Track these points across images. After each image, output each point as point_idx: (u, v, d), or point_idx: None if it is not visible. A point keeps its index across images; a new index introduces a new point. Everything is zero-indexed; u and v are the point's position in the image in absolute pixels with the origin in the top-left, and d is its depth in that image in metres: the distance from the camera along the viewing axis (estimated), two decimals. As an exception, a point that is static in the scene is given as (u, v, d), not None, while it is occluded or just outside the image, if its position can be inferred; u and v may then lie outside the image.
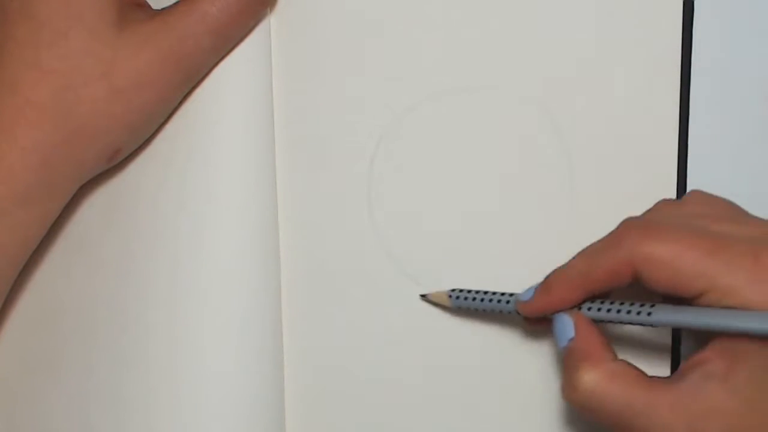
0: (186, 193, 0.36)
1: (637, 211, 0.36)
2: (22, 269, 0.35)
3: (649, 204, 0.35)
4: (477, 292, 0.36)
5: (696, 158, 0.37)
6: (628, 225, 0.32)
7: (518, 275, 0.37)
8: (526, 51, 0.37)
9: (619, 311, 0.33)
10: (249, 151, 0.36)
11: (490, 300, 0.36)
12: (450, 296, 0.37)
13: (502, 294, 0.36)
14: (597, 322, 0.33)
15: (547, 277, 0.34)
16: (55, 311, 0.38)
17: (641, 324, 0.32)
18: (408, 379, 0.38)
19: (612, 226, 0.37)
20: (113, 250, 0.37)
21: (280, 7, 0.38)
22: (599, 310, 0.33)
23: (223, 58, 0.36)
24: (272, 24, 0.37)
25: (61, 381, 0.37)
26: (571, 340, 0.33)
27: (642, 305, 0.32)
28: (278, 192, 0.38)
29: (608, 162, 0.37)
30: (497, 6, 0.37)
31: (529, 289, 0.34)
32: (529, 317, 0.35)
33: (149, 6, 0.36)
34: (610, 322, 0.33)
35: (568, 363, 0.33)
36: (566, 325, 0.33)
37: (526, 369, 0.38)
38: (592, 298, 0.33)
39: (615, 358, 0.32)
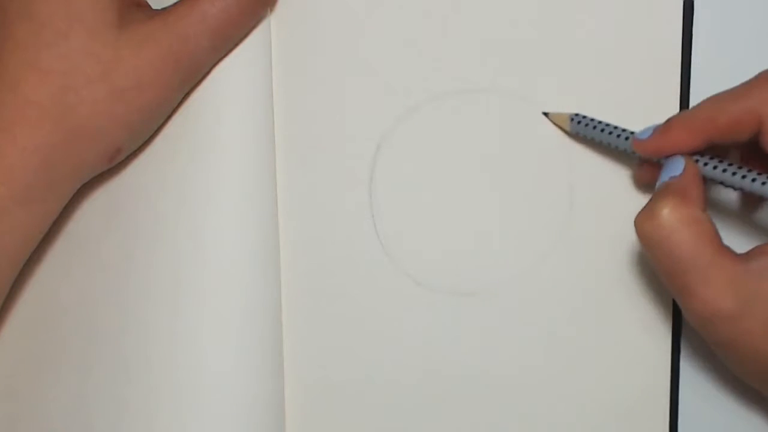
0: (186, 193, 0.36)
1: (635, 212, 0.36)
2: (22, 269, 0.35)
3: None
4: (600, 122, 0.36)
5: (696, 158, 0.37)
6: (764, 76, 0.32)
7: (519, 275, 0.38)
8: (526, 51, 0.37)
9: (734, 173, 0.32)
10: (249, 151, 0.36)
11: (610, 132, 0.35)
12: (572, 119, 0.36)
13: (623, 130, 0.35)
14: (708, 180, 0.33)
15: (670, 118, 0.33)
16: (55, 311, 0.38)
17: (752, 192, 0.32)
18: (408, 379, 0.38)
19: (612, 226, 0.37)
20: (113, 250, 0.37)
21: (280, 7, 0.38)
22: (715, 168, 0.32)
23: (223, 58, 0.36)
24: (272, 24, 0.37)
25: (61, 381, 0.37)
26: (674, 177, 0.32)
27: (760, 173, 0.32)
28: (278, 192, 0.38)
29: (608, 162, 0.37)
30: (497, 7, 0.37)
31: (648, 128, 0.34)
32: (643, 157, 0.34)
33: (149, 6, 0.36)
34: (722, 183, 0.32)
35: (658, 194, 0.32)
36: (677, 164, 0.32)
37: (526, 369, 0.38)
38: (710, 154, 0.33)
39: (705, 211, 0.32)
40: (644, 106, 0.37)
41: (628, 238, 0.37)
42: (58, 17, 0.32)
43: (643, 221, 0.32)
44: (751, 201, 0.37)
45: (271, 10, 0.37)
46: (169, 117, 0.36)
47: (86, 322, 0.37)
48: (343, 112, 0.38)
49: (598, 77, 0.37)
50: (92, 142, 0.34)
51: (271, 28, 0.37)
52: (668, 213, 0.31)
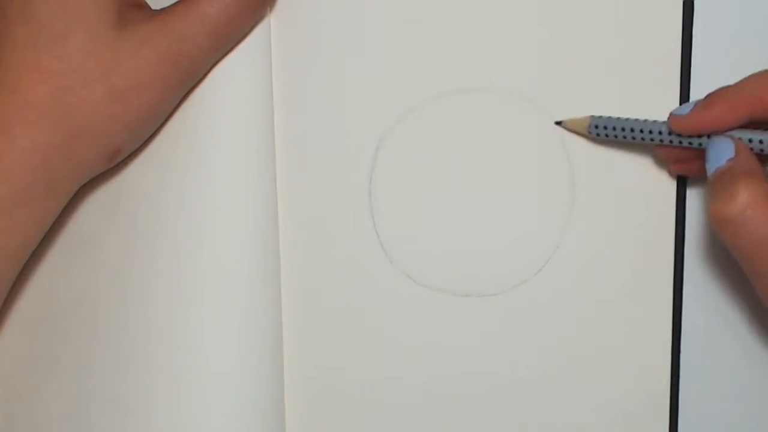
0: (186, 193, 0.36)
1: (636, 212, 0.36)
2: (22, 269, 0.35)
3: (648, 203, 0.35)
4: (618, 119, 0.35)
5: (696, 158, 0.37)
6: None
7: (519, 275, 0.38)
8: (526, 51, 0.37)
9: None
10: (249, 151, 0.36)
11: (640, 130, 0.34)
12: (590, 125, 0.36)
13: (646, 121, 0.34)
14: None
15: (710, 94, 0.33)
16: (55, 311, 0.38)
17: None
18: (408, 378, 0.38)
19: (612, 226, 0.37)
20: (113, 250, 0.37)
21: (280, 7, 0.38)
22: (761, 141, 0.31)
23: (222, 58, 0.36)
24: (272, 24, 0.37)
25: (61, 380, 0.37)
26: (730, 159, 0.31)
27: None
28: (278, 192, 0.38)
29: (608, 162, 0.37)
30: (497, 6, 0.37)
31: (686, 105, 0.33)
32: (683, 134, 0.33)
33: (148, 6, 0.36)
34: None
35: (723, 179, 0.31)
36: (726, 146, 0.32)
37: (525, 369, 0.38)
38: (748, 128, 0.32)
39: None
40: (644, 105, 0.37)
41: (629, 238, 0.37)
42: (57, 18, 0.32)
43: (721, 208, 0.31)
44: None
45: (271, 10, 0.37)
46: (168, 117, 0.36)
47: (86, 321, 0.37)
48: (343, 112, 0.38)
49: (597, 77, 0.37)
50: (92, 143, 0.34)
51: (271, 28, 0.37)
52: (745, 195, 0.30)
